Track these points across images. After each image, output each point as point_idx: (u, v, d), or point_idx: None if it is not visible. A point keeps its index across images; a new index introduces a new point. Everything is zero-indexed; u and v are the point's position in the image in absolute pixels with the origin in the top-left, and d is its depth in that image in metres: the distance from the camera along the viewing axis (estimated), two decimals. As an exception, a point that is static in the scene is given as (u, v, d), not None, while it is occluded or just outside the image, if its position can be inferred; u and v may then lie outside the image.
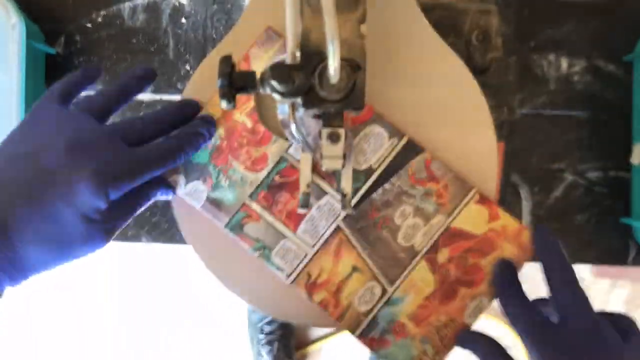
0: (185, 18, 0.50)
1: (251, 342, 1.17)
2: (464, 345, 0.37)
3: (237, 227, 0.39)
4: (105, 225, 0.34)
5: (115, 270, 1.24)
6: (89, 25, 0.50)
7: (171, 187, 0.40)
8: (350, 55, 0.30)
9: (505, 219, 0.38)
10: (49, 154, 0.33)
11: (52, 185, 0.32)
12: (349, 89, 0.29)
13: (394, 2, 0.39)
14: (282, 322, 1.14)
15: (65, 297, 1.25)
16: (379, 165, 0.39)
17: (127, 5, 0.50)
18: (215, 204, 0.39)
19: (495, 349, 0.36)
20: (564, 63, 0.49)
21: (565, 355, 0.32)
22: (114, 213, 0.34)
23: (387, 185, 0.39)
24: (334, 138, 0.30)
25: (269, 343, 1.14)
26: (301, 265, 0.39)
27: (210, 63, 0.40)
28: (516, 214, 0.49)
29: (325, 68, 0.28)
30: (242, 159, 0.39)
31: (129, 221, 0.37)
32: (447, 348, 0.38)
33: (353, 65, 0.29)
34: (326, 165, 0.33)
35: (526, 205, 0.48)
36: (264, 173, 0.39)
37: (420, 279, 0.38)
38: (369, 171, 0.39)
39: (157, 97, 0.50)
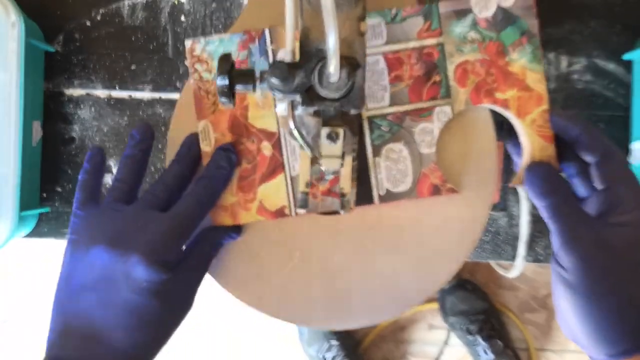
0: (185, 16, 0.50)
1: None
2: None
3: None
4: (180, 287, 0.35)
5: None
6: (88, 23, 0.50)
7: (238, 231, 0.40)
8: (350, 53, 0.30)
9: None
10: (99, 256, 0.34)
11: (115, 282, 0.33)
12: (348, 88, 0.29)
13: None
14: (338, 342, 1.13)
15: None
16: (368, 174, 0.39)
17: (126, 3, 0.50)
18: None
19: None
20: (564, 62, 0.49)
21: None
22: (185, 273, 0.36)
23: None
24: (333, 137, 0.30)
25: None
26: None
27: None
28: (516, 214, 0.49)
29: (324, 66, 0.28)
30: None
31: (207, 271, 0.38)
32: None
33: (353, 64, 0.29)
34: (325, 164, 0.33)
35: (526, 205, 0.48)
36: None
37: None
38: (361, 157, 0.39)
39: (157, 95, 0.50)
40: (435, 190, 0.39)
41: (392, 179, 0.39)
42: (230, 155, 0.38)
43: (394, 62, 0.38)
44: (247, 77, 0.29)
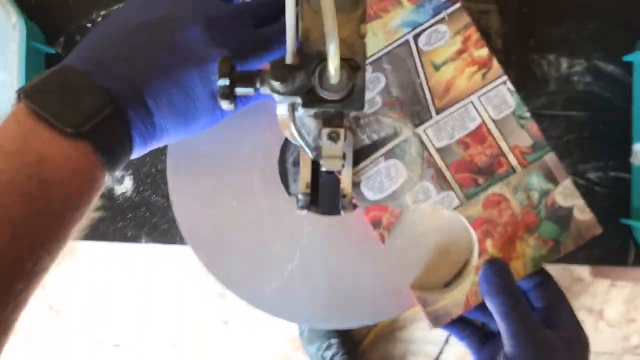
0: (186, 18, 0.50)
1: None
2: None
3: None
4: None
5: (114, 272, 1.24)
6: (89, 25, 0.50)
7: None
8: (350, 55, 0.30)
9: None
10: (186, 28, 0.32)
11: (189, 59, 0.32)
12: (348, 89, 0.29)
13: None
14: (338, 340, 1.13)
15: (64, 298, 1.25)
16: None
17: (127, 5, 0.50)
18: None
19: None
20: (564, 63, 0.49)
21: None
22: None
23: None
24: (333, 137, 0.30)
25: None
26: None
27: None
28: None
29: (325, 68, 0.28)
30: None
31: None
32: None
33: (353, 66, 0.29)
34: (326, 165, 0.33)
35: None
36: None
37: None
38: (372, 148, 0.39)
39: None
40: (375, 224, 0.39)
41: (370, 182, 0.39)
42: None
43: (479, 135, 0.38)
44: (247, 79, 0.29)
